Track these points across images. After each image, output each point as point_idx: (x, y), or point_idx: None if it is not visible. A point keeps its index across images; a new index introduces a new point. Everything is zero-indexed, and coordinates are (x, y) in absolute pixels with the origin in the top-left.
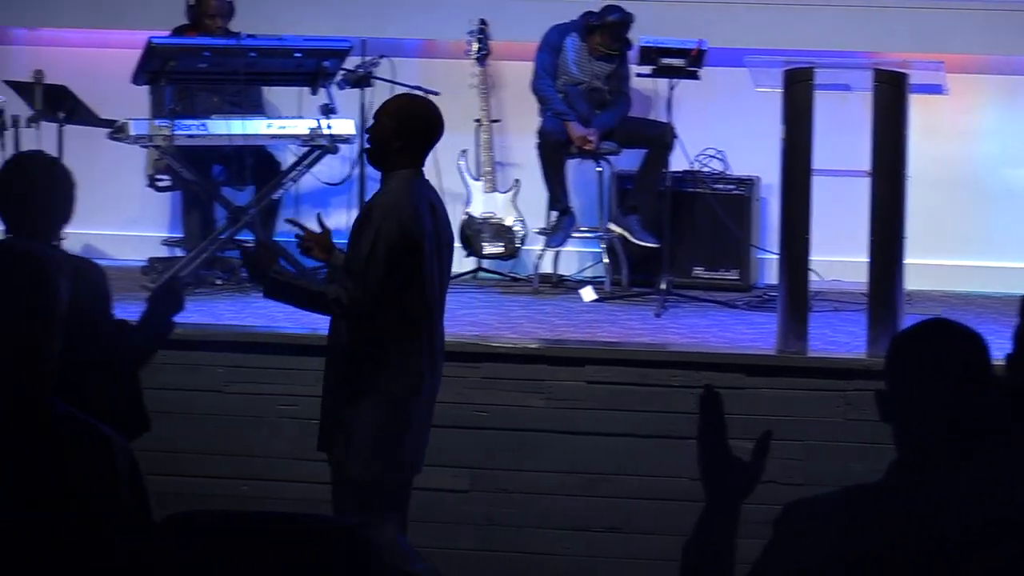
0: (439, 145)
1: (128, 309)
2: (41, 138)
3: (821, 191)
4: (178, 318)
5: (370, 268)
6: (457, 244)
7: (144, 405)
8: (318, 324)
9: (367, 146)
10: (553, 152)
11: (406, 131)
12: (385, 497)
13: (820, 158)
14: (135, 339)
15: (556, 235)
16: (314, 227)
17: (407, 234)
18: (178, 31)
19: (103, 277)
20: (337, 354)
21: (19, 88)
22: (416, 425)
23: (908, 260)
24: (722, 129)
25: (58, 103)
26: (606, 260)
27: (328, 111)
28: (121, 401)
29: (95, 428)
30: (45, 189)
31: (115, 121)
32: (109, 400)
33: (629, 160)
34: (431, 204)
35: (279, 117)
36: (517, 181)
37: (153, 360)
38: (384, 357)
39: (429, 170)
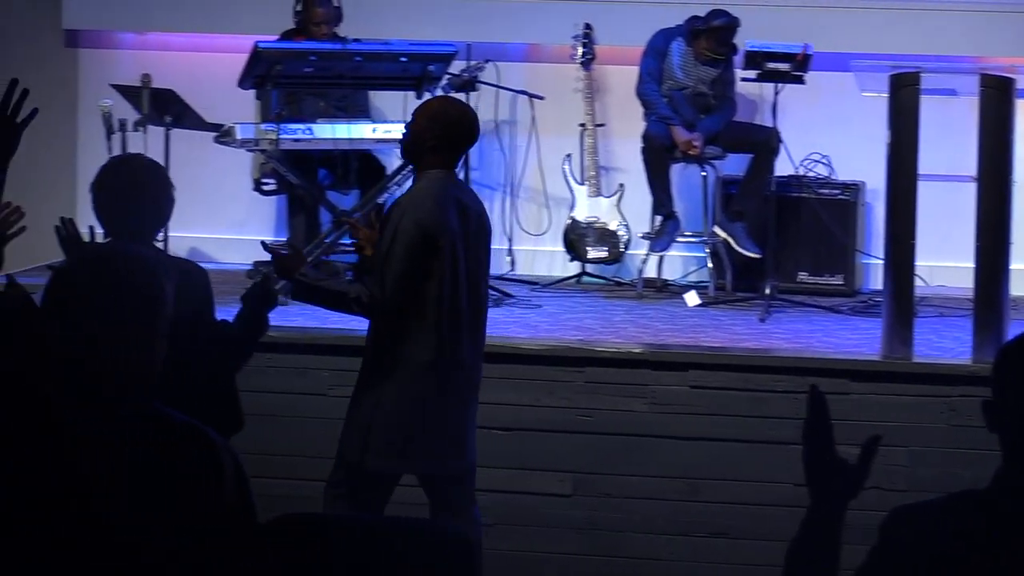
0: (543, 148)
1: (231, 311)
2: (148, 142)
3: (927, 196)
4: (286, 321)
5: (389, 266)
6: (561, 248)
7: (239, 404)
8: None
9: (402, 141)
10: (658, 156)
11: (440, 132)
12: (383, 489)
13: (926, 163)
14: (231, 339)
15: (660, 239)
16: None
17: (424, 232)
18: (286, 35)
19: (207, 279)
20: (367, 351)
21: (126, 92)
22: (442, 421)
23: (1014, 266)
24: (827, 134)
25: (165, 107)
26: (710, 265)
27: None
28: (218, 400)
29: (200, 431)
30: (143, 191)
31: (221, 125)
32: (207, 400)
33: (734, 165)
34: (460, 202)
35: (384, 121)
36: (621, 185)
37: (259, 363)
38: (404, 353)
39: (533, 174)
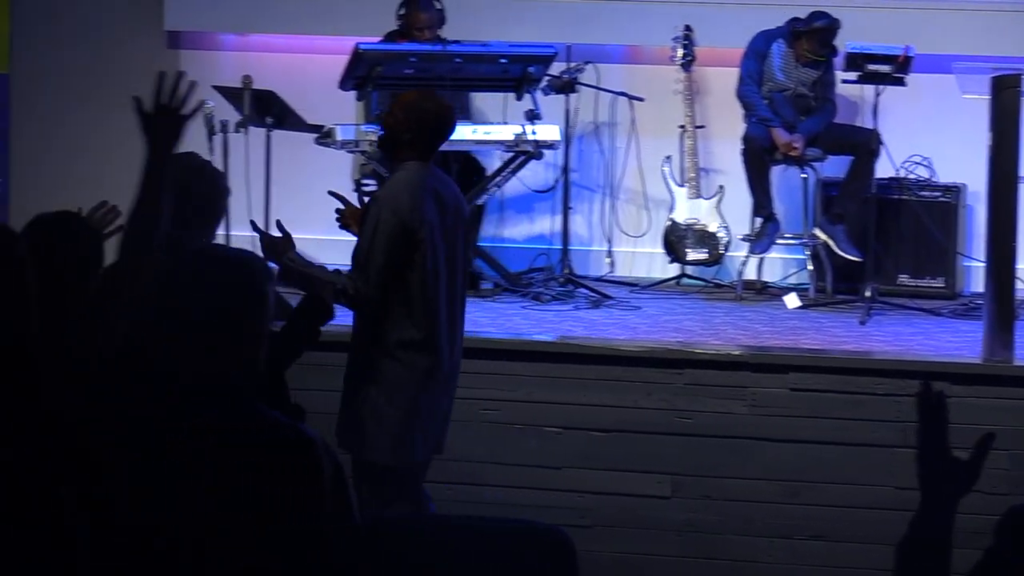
0: (643, 150)
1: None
2: (249, 143)
3: None
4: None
5: (370, 259)
6: (660, 250)
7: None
8: (521, 329)
9: (379, 133)
10: (758, 158)
11: (416, 125)
12: (400, 482)
13: None
14: (274, 338)
15: (760, 241)
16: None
17: (403, 224)
18: (389, 37)
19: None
20: (352, 344)
21: (228, 93)
22: (425, 410)
23: None
24: (928, 136)
25: (266, 108)
26: (810, 267)
27: (533, 116)
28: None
29: (299, 431)
30: (187, 191)
31: (322, 126)
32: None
33: (835, 167)
34: (437, 193)
35: (484, 123)
36: (721, 187)
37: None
38: (388, 344)
39: (633, 175)
